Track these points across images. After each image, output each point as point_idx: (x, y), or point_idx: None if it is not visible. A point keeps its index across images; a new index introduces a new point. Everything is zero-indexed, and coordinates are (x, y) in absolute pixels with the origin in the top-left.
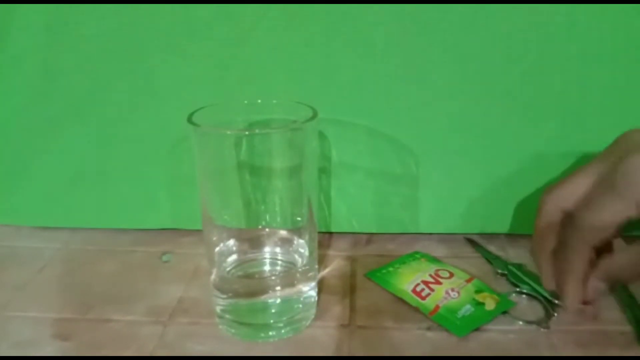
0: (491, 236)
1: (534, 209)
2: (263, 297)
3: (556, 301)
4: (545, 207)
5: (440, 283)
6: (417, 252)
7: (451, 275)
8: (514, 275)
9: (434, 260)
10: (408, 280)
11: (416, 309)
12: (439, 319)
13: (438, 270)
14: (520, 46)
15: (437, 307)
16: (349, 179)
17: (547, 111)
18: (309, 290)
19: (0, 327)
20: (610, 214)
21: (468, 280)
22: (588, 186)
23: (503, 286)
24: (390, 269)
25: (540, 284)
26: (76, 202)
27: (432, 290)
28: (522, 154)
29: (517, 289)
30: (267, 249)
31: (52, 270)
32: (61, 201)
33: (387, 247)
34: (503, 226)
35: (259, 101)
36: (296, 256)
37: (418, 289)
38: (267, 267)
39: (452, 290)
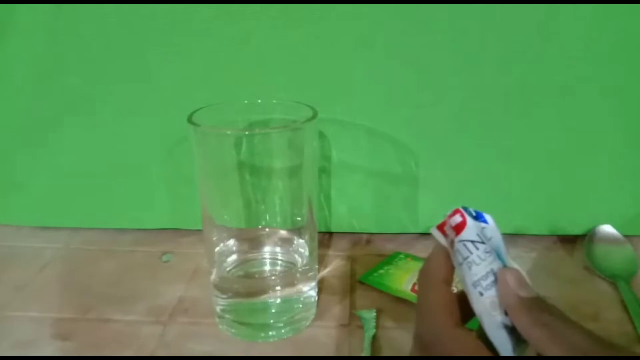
0: None
1: (534, 209)
2: (263, 297)
3: None
4: None
5: None
6: (399, 253)
7: None
8: None
9: (419, 259)
10: (403, 280)
11: None
12: None
13: None
14: (520, 46)
15: None
16: (349, 179)
17: (547, 111)
18: (309, 290)
19: (0, 327)
20: None
21: None
22: None
23: None
24: (381, 271)
25: None
26: (76, 202)
27: None
28: (523, 154)
29: None
30: (267, 249)
31: (52, 270)
32: (61, 201)
33: (387, 247)
34: (503, 226)
35: (259, 101)
36: (296, 256)
37: (417, 287)
38: (267, 267)
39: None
